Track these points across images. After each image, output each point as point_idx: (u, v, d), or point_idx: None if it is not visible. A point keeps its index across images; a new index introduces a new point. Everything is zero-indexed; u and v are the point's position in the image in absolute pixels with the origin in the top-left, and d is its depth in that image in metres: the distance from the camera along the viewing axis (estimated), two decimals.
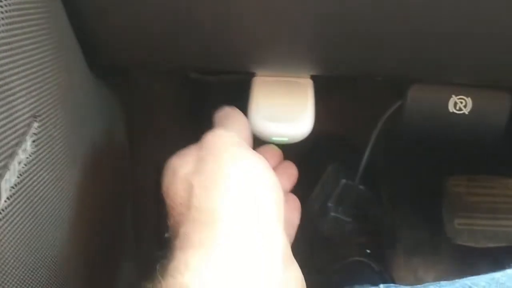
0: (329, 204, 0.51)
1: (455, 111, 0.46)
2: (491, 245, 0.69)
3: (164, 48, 0.41)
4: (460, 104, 0.46)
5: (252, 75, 0.51)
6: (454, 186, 0.70)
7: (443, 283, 0.38)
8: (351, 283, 0.52)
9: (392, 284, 0.46)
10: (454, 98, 0.46)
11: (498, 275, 0.34)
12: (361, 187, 0.50)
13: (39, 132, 0.28)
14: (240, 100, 0.53)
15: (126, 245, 0.57)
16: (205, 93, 0.72)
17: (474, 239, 0.69)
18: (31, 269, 0.28)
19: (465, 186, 0.70)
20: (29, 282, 0.28)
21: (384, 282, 0.47)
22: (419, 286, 0.41)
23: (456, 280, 0.37)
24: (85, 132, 0.37)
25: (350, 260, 0.62)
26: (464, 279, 0.36)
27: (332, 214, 0.50)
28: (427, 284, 0.41)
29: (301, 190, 0.77)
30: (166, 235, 0.66)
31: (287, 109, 0.49)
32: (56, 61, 0.30)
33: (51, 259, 0.31)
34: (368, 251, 0.64)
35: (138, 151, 0.57)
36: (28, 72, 0.26)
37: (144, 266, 0.64)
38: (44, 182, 0.29)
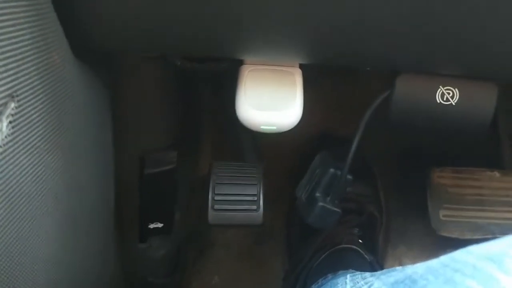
0: (317, 194, 0.50)
1: (442, 102, 0.46)
2: (476, 237, 0.69)
3: (149, 33, 0.40)
4: (447, 95, 0.46)
5: (240, 63, 0.50)
6: (439, 178, 0.70)
7: (397, 268, 0.40)
8: (342, 267, 0.53)
9: (357, 272, 0.47)
10: (441, 89, 0.46)
11: (433, 263, 0.35)
12: (349, 177, 0.50)
13: (16, 113, 0.27)
14: (228, 88, 0.53)
15: (108, 237, 0.56)
16: (192, 81, 0.71)
17: (459, 231, 0.69)
18: (7, 253, 0.27)
19: (450, 178, 0.70)
20: (7, 268, 0.27)
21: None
22: (377, 272, 0.44)
23: (401, 268, 0.39)
24: (66, 117, 0.36)
25: (343, 247, 0.61)
26: (407, 267, 0.38)
27: (320, 204, 0.50)
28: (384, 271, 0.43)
29: (291, 181, 0.77)
30: (150, 226, 0.65)
31: (275, 97, 0.48)
32: (35, 40, 0.29)
33: (27, 247, 0.30)
34: (361, 241, 0.64)
35: (122, 140, 0.55)
36: (5, 49, 0.25)
37: (127, 257, 0.64)
38: (21, 166, 0.28)
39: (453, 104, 0.46)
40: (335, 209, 0.50)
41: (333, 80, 0.80)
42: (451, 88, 0.46)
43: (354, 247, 0.63)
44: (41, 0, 0.31)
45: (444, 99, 0.46)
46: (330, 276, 0.55)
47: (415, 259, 0.78)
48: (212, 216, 0.52)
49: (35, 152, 0.30)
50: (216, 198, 0.53)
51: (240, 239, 0.81)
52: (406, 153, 0.81)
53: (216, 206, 0.52)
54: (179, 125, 0.66)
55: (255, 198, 0.53)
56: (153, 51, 0.47)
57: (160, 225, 0.64)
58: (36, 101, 0.29)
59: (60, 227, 0.36)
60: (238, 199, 0.53)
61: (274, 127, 0.49)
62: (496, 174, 0.69)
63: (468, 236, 0.69)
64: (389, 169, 0.81)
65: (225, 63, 0.55)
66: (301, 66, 0.50)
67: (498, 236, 0.70)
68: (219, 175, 0.54)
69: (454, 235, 0.69)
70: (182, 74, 0.63)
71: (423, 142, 0.80)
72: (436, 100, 0.46)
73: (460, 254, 0.33)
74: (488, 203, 0.68)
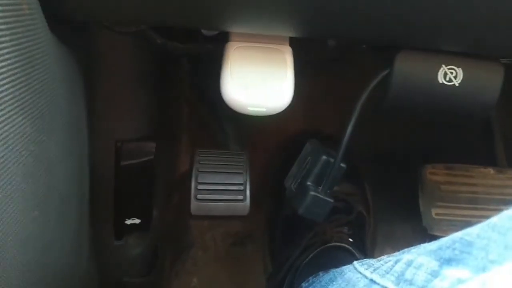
0: (308, 183, 0.46)
1: (444, 82, 0.43)
2: None
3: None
4: (450, 75, 0.43)
5: (226, 40, 0.46)
6: (431, 175, 0.67)
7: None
8: (332, 266, 0.49)
9: (365, 259, 0.43)
10: (444, 68, 0.43)
11: (494, 220, 0.31)
12: (343, 165, 0.46)
13: None
14: (211, 70, 0.49)
15: (82, 232, 0.51)
16: (171, 67, 0.67)
17: (451, 230, 0.66)
18: None
19: (442, 174, 0.67)
20: None
21: None
22: (407, 249, 0.38)
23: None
24: (35, 76, 0.31)
25: (333, 245, 0.58)
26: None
27: (312, 193, 0.46)
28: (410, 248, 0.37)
29: (271, 180, 0.73)
30: (126, 221, 0.60)
31: (264, 77, 0.45)
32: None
33: None
34: (351, 240, 0.61)
35: (96, 126, 0.51)
36: None
37: (101, 255, 0.59)
38: None
39: (456, 85, 0.43)
40: (327, 198, 0.47)
41: (319, 72, 0.76)
42: (455, 68, 0.43)
43: (345, 245, 0.59)
44: None
45: (447, 79, 0.43)
46: (321, 274, 0.51)
47: None
48: (194, 206, 0.48)
49: (1, 108, 0.25)
50: (200, 187, 0.49)
51: (219, 240, 0.77)
52: (392, 152, 0.79)
53: (199, 196, 0.48)
54: (157, 115, 0.61)
55: (241, 188, 0.49)
56: (131, 22, 0.43)
57: (137, 221, 0.59)
58: (7, 81, 0.25)
59: (27, 211, 0.31)
60: (222, 189, 0.49)
61: (263, 109, 0.45)
62: (491, 171, 0.67)
63: None
64: (375, 168, 0.78)
65: (210, 44, 0.51)
66: (291, 44, 0.46)
67: None
68: (202, 163, 0.50)
69: (447, 234, 0.66)
70: (160, 59, 0.59)
71: (410, 141, 0.78)
72: (438, 80, 0.43)
73: None
74: (482, 201, 0.66)
